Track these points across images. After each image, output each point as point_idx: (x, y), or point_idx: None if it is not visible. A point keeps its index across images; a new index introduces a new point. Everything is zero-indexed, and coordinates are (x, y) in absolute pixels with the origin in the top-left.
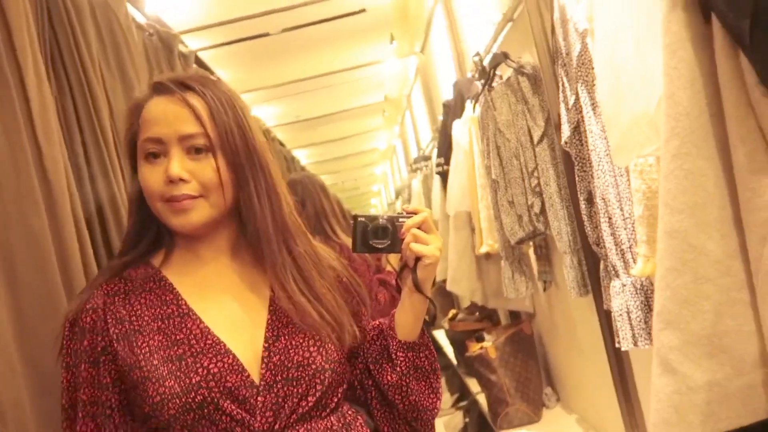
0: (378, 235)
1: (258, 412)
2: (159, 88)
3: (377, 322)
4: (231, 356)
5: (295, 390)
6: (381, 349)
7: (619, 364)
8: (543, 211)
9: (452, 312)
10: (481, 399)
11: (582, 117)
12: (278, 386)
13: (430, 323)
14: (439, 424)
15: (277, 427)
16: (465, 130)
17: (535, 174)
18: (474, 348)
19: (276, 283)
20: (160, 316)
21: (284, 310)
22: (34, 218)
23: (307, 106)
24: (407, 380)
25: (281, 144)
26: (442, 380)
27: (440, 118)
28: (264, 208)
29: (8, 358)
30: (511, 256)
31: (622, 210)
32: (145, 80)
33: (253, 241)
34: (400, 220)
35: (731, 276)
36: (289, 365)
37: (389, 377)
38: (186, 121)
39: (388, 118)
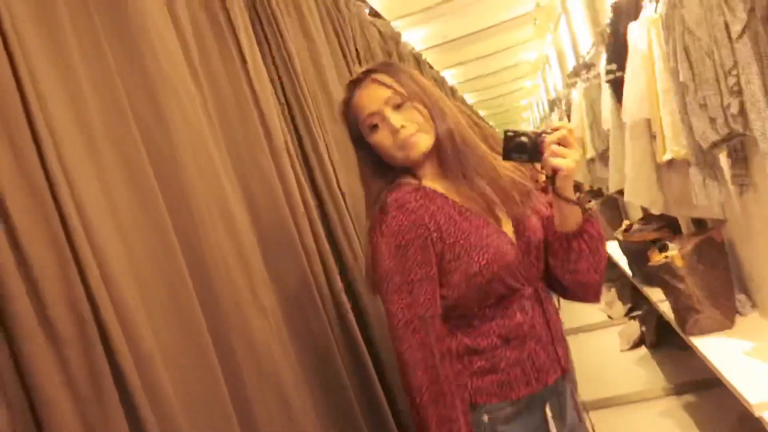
0: (520, 147)
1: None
2: (356, 84)
3: (550, 212)
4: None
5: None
6: (547, 236)
7: None
8: (741, 111)
9: (625, 223)
10: (664, 307)
11: None
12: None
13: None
14: (613, 333)
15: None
16: (643, 33)
17: (733, 72)
18: (657, 257)
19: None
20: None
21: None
22: (261, 155)
23: (454, 26)
24: (564, 261)
25: (430, 66)
26: (611, 291)
27: (607, 21)
28: (451, 127)
29: (260, 268)
30: (702, 161)
31: None
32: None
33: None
34: (543, 135)
35: None
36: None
37: (550, 260)
38: (382, 90)
39: (540, 26)
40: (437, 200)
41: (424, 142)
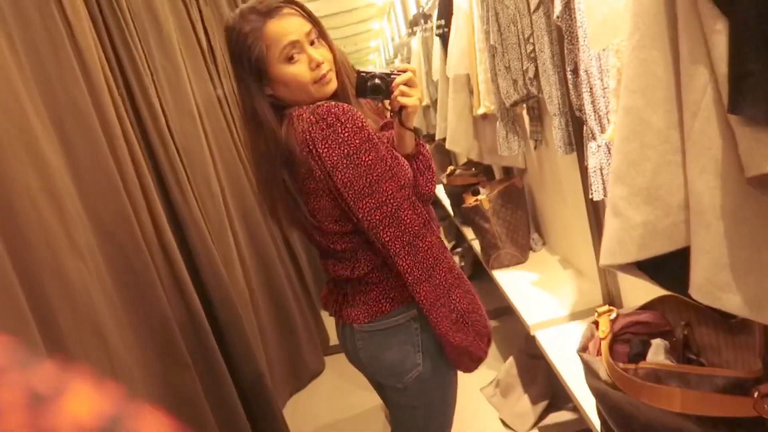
0: (375, 88)
1: None
2: (268, 13)
3: (387, 137)
4: None
5: None
6: None
7: (596, 212)
8: (536, 75)
9: (450, 168)
10: (476, 245)
11: None
12: None
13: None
14: None
15: None
16: None
17: (531, 40)
18: (470, 200)
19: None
20: None
21: None
22: (77, 92)
23: None
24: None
25: None
26: (441, 229)
27: None
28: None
29: (75, 206)
30: (506, 117)
31: (602, 81)
32: None
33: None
34: (392, 76)
35: (669, 143)
36: None
37: None
38: (304, 23)
39: None
40: None
41: (335, 81)
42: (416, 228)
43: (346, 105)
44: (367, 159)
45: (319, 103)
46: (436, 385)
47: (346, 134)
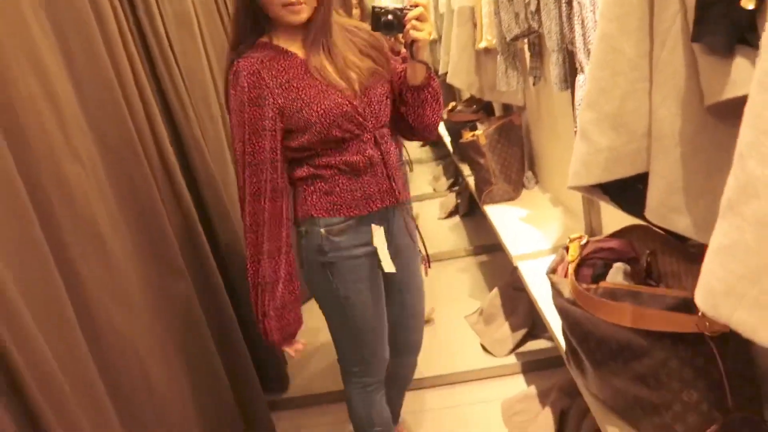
0: (388, 24)
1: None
2: None
3: (402, 69)
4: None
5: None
6: (400, 89)
7: None
8: (538, 9)
9: (451, 104)
10: (471, 181)
11: None
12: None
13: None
14: (435, 203)
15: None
16: None
17: None
18: (467, 136)
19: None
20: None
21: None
22: (78, 2)
23: None
24: (414, 108)
25: None
26: (439, 167)
27: None
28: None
29: (75, 114)
30: (507, 51)
31: (594, 13)
32: None
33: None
34: (404, 11)
35: (638, 71)
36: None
37: (402, 108)
38: None
39: None
40: (287, 60)
41: (305, 14)
42: (252, 191)
43: (244, 66)
44: (233, 120)
45: (245, 55)
46: (330, 304)
47: (232, 94)
